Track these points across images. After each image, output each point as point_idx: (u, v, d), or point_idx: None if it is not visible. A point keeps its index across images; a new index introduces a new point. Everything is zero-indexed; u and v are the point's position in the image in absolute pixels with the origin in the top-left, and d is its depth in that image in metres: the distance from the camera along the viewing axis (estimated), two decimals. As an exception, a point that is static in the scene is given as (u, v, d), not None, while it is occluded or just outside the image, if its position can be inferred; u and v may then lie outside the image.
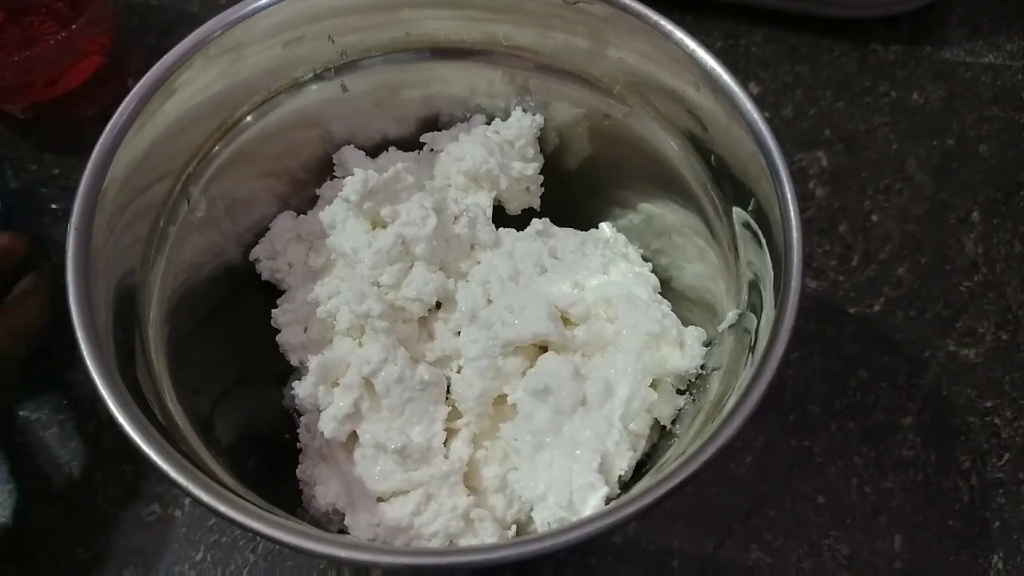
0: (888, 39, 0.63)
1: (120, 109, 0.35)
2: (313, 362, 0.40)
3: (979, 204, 0.57)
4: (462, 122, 0.47)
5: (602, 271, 0.43)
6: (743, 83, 0.37)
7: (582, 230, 0.47)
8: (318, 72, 0.43)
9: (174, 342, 0.38)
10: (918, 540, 0.46)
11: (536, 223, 0.46)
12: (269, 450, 0.43)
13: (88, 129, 0.57)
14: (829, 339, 0.52)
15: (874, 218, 0.56)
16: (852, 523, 0.46)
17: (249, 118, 0.41)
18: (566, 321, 0.41)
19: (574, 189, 0.48)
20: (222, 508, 0.28)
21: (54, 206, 0.55)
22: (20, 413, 0.48)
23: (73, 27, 0.53)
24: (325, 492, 0.39)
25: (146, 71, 0.36)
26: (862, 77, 0.62)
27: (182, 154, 0.39)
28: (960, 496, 0.47)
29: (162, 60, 0.36)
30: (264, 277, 0.44)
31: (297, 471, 0.41)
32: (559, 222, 0.47)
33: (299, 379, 0.41)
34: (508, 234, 0.45)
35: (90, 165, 0.33)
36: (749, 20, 0.63)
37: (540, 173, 0.48)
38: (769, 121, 0.36)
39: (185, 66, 0.36)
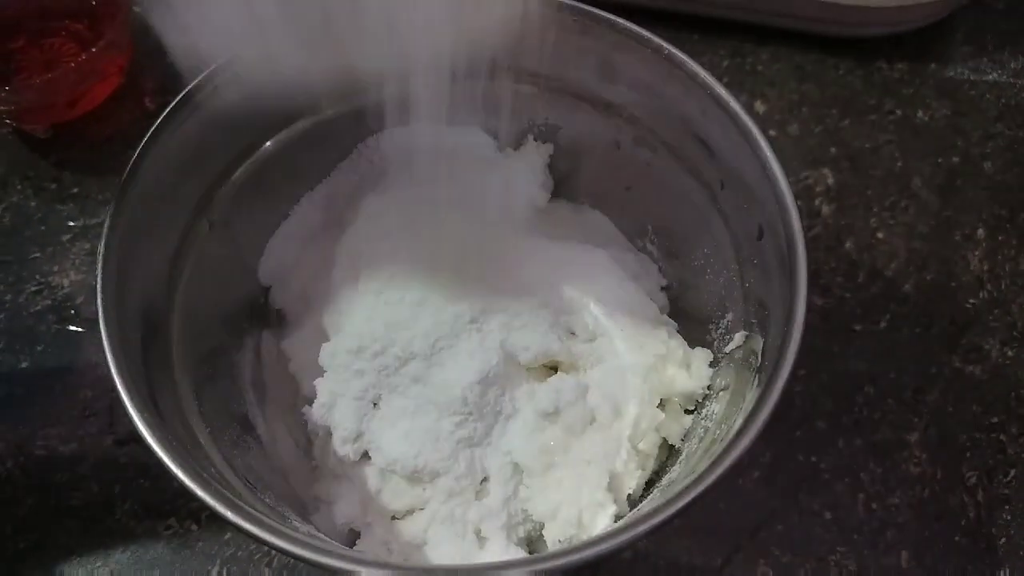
0: (893, 57, 0.64)
1: (145, 139, 0.35)
2: (322, 386, 0.40)
3: (984, 221, 0.57)
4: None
5: (611, 291, 0.44)
6: (749, 103, 0.38)
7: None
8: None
9: (196, 360, 0.39)
10: (925, 556, 0.46)
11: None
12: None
13: (107, 149, 0.58)
14: (836, 355, 0.52)
15: (880, 235, 0.57)
16: (859, 539, 0.47)
17: (268, 143, 0.42)
18: (574, 341, 0.42)
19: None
20: (263, 534, 0.29)
21: (72, 223, 0.56)
22: (40, 427, 0.49)
23: (93, 49, 0.54)
24: (340, 510, 0.39)
25: (164, 91, 0.37)
26: (867, 95, 0.62)
27: (204, 178, 0.40)
28: (967, 512, 0.47)
29: (186, 87, 0.37)
30: (276, 306, 0.46)
31: (313, 489, 0.42)
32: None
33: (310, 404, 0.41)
34: None
35: (117, 194, 0.34)
36: (755, 39, 0.64)
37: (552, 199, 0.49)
38: (775, 139, 0.37)
39: (206, 92, 0.37)
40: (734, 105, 0.37)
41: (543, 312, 0.40)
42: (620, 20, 0.39)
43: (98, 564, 0.45)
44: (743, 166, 0.37)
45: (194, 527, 0.46)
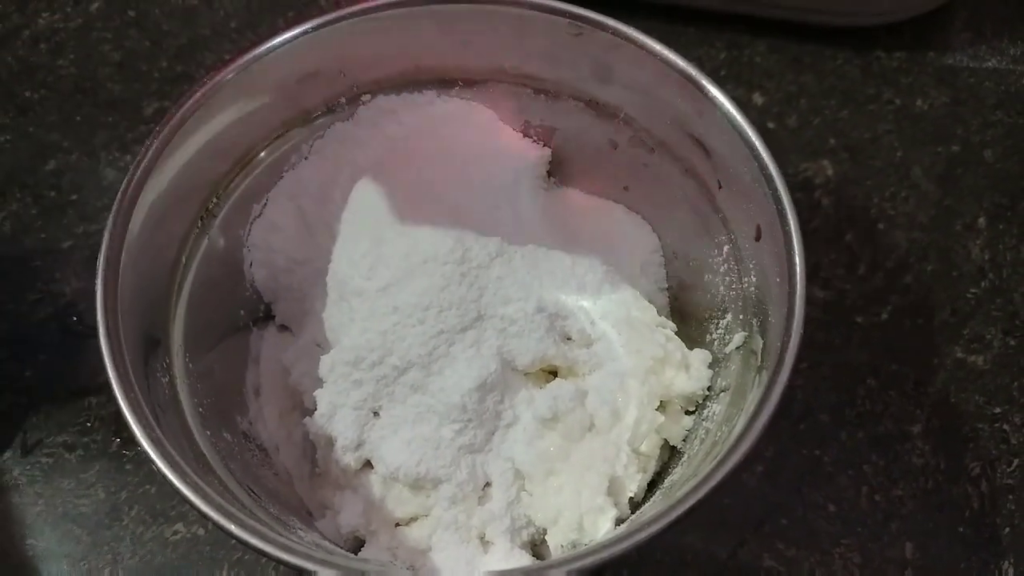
0: (891, 46, 0.63)
1: (140, 155, 0.35)
2: (322, 397, 0.41)
3: (985, 210, 0.57)
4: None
5: (606, 294, 0.44)
6: (747, 95, 0.37)
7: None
8: (330, 106, 0.44)
9: (198, 371, 0.39)
10: (929, 547, 0.46)
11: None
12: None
13: (104, 155, 0.58)
14: (837, 348, 0.52)
15: (880, 226, 0.56)
16: (863, 531, 0.47)
17: (263, 154, 0.42)
18: (571, 345, 0.42)
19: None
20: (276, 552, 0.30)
21: (73, 230, 0.56)
22: (46, 435, 0.49)
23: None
24: (344, 519, 0.40)
25: (161, 95, 0.37)
26: (866, 85, 0.62)
27: (201, 192, 0.40)
28: (970, 503, 0.48)
29: (178, 104, 0.37)
30: (278, 321, 0.46)
31: (318, 496, 0.42)
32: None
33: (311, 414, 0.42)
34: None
35: (114, 210, 0.34)
36: (752, 31, 0.64)
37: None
38: (773, 131, 0.36)
39: (202, 107, 0.37)
40: (729, 106, 0.36)
41: (538, 317, 0.40)
42: (613, 21, 0.39)
43: (106, 571, 0.45)
44: (740, 167, 0.37)
45: (201, 532, 0.46)
